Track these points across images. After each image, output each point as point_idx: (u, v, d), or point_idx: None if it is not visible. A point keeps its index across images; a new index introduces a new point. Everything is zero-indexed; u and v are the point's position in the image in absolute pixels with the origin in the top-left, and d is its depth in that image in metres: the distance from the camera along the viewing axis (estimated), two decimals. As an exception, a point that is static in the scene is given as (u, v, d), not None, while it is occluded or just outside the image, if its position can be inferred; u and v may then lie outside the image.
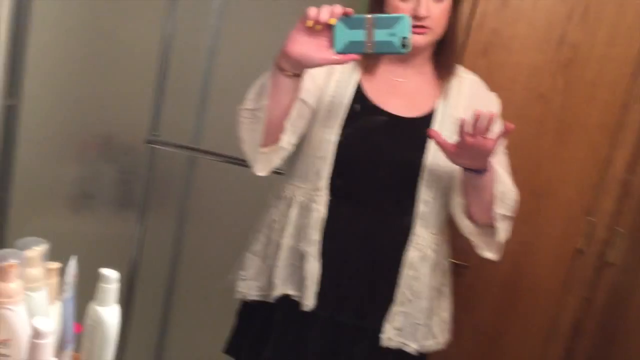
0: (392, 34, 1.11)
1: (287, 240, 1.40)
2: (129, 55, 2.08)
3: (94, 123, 2.15)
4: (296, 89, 1.25)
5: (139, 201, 2.07)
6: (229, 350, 1.55)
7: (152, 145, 2.00)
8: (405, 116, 1.37)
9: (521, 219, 1.42)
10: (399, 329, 1.38)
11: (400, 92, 1.39)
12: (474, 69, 1.51)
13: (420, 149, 1.35)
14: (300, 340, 1.42)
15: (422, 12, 1.27)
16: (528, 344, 1.89)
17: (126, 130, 2.17)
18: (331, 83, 1.38)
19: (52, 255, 0.94)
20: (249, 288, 1.46)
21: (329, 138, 1.35)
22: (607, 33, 1.71)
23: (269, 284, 1.42)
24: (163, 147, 2.00)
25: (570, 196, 1.79)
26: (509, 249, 1.66)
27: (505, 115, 1.40)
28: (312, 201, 1.37)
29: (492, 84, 1.50)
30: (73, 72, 2.09)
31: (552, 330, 1.87)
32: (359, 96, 1.37)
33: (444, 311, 1.48)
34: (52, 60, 2.06)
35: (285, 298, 1.41)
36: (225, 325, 1.57)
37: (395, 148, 1.36)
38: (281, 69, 1.20)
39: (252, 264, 1.47)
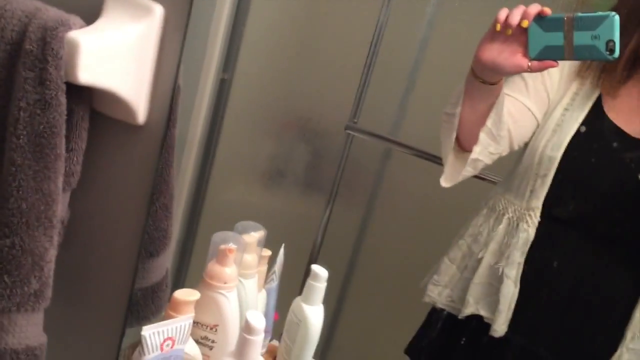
0: (596, 37, 0.93)
1: (488, 257, 1.30)
2: (341, 41, 2.07)
3: (296, 104, 2.18)
4: (492, 97, 1.14)
5: (328, 185, 2.07)
6: (409, 352, 1.49)
7: (350, 132, 1.98)
8: None
9: None
10: None
11: None
12: None
13: None
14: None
15: None
16: None
17: (326, 114, 2.17)
18: (567, 94, 1.24)
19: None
20: (439, 295, 1.40)
21: (553, 155, 1.21)
22: None
23: (461, 298, 1.34)
24: (361, 135, 1.98)
25: None
26: None
27: None
28: (522, 220, 1.25)
29: None
30: (284, 53, 2.13)
31: None
32: (597, 113, 1.21)
33: None
34: (267, 39, 2.11)
35: (476, 317, 1.32)
36: (399, 324, 1.52)
37: (633, 176, 1.19)
38: (475, 75, 1.10)
39: (447, 271, 1.40)
